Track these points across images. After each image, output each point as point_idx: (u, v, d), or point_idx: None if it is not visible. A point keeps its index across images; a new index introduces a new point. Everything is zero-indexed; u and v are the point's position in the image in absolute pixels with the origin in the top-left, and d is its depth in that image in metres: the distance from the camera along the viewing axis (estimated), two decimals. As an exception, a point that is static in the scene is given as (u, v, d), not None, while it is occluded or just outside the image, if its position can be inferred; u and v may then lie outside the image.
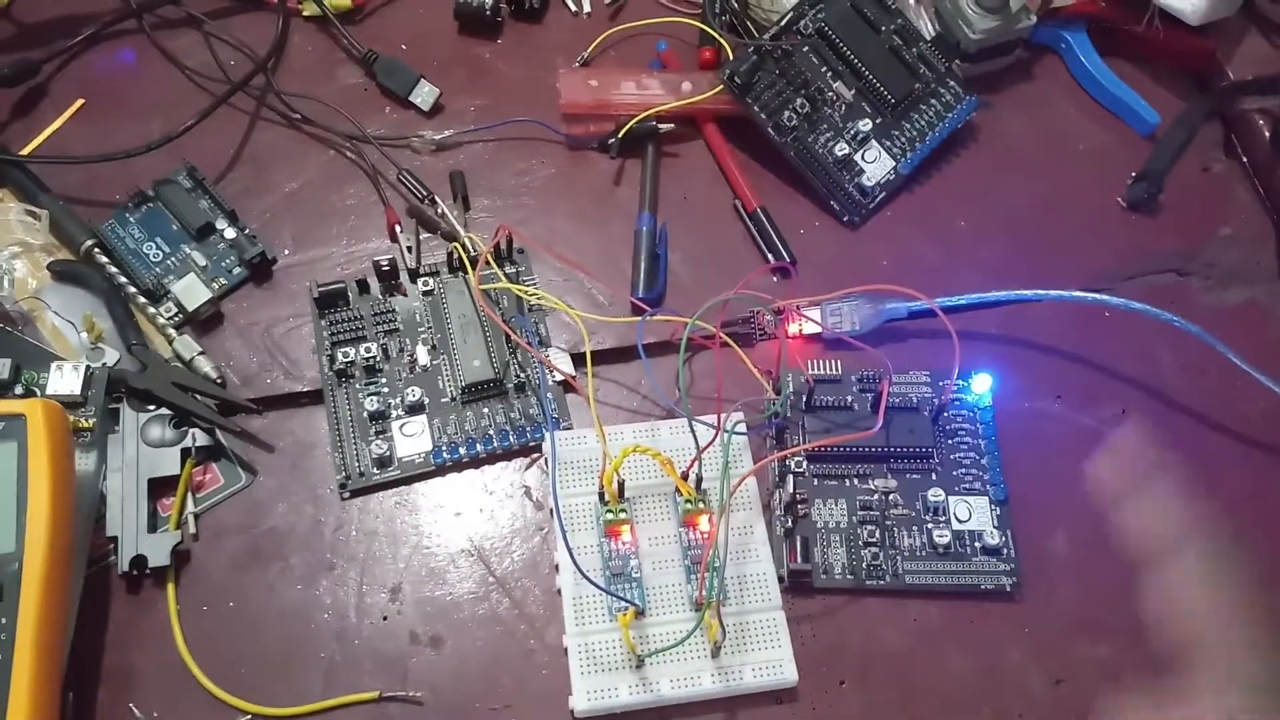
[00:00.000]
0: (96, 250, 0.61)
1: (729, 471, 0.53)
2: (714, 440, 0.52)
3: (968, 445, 0.58)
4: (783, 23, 0.65)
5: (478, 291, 0.58)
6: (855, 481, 0.57)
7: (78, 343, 0.60)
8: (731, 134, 0.68)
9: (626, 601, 0.52)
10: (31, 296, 0.60)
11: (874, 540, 0.55)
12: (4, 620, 0.47)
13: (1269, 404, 0.59)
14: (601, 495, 0.55)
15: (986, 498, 0.57)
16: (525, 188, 0.66)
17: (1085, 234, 0.66)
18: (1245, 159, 0.69)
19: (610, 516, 0.54)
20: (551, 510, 0.55)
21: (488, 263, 0.60)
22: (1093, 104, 0.71)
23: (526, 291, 0.60)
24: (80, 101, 0.67)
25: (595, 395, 0.58)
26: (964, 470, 0.57)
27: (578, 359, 0.59)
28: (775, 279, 0.63)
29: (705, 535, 0.54)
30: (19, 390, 0.56)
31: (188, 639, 0.52)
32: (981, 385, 0.59)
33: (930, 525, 0.56)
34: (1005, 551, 0.55)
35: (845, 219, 0.65)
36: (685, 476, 0.54)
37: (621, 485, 0.54)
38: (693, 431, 0.52)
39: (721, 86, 0.65)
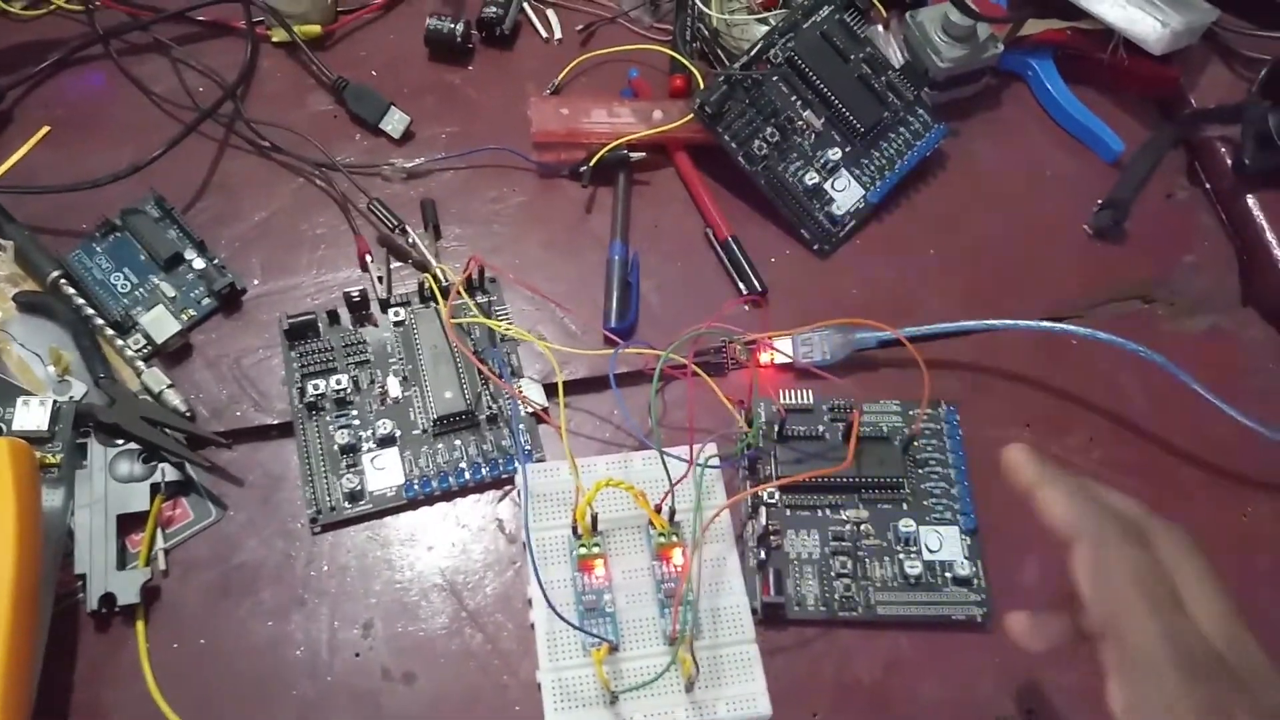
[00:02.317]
0: (63, 281, 0.60)
1: (702, 506, 0.53)
2: (686, 474, 0.53)
3: (938, 475, 0.58)
4: (753, 52, 0.66)
5: (449, 324, 0.58)
6: (827, 512, 0.57)
7: (44, 376, 0.59)
8: (702, 162, 0.68)
9: (599, 637, 0.52)
10: (-4, 329, 0.60)
11: (846, 571, 0.55)
12: (-31, 664, 0.46)
13: (1230, 430, 0.60)
14: (574, 528, 0.55)
15: (957, 527, 0.57)
16: (497, 216, 0.66)
17: (1052, 261, 0.67)
18: (1209, 186, 0.70)
19: (584, 550, 0.54)
20: (524, 544, 0.55)
21: (459, 294, 0.60)
22: (1059, 131, 0.71)
23: (499, 325, 0.60)
24: (46, 129, 0.67)
25: (568, 426, 0.58)
26: (934, 500, 0.58)
27: (550, 389, 0.59)
28: (746, 308, 0.63)
29: (679, 569, 0.54)
30: (-15, 426, 0.56)
31: (158, 676, 0.52)
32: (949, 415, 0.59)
33: (901, 555, 0.56)
34: (976, 582, 0.56)
35: (815, 247, 0.66)
36: (659, 509, 0.54)
37: (595, 518, 0.54)
38: (665, 467, 0.52)
39: (692, 115, 0.65)
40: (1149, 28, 0.67)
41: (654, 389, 0.54)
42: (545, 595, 0.50)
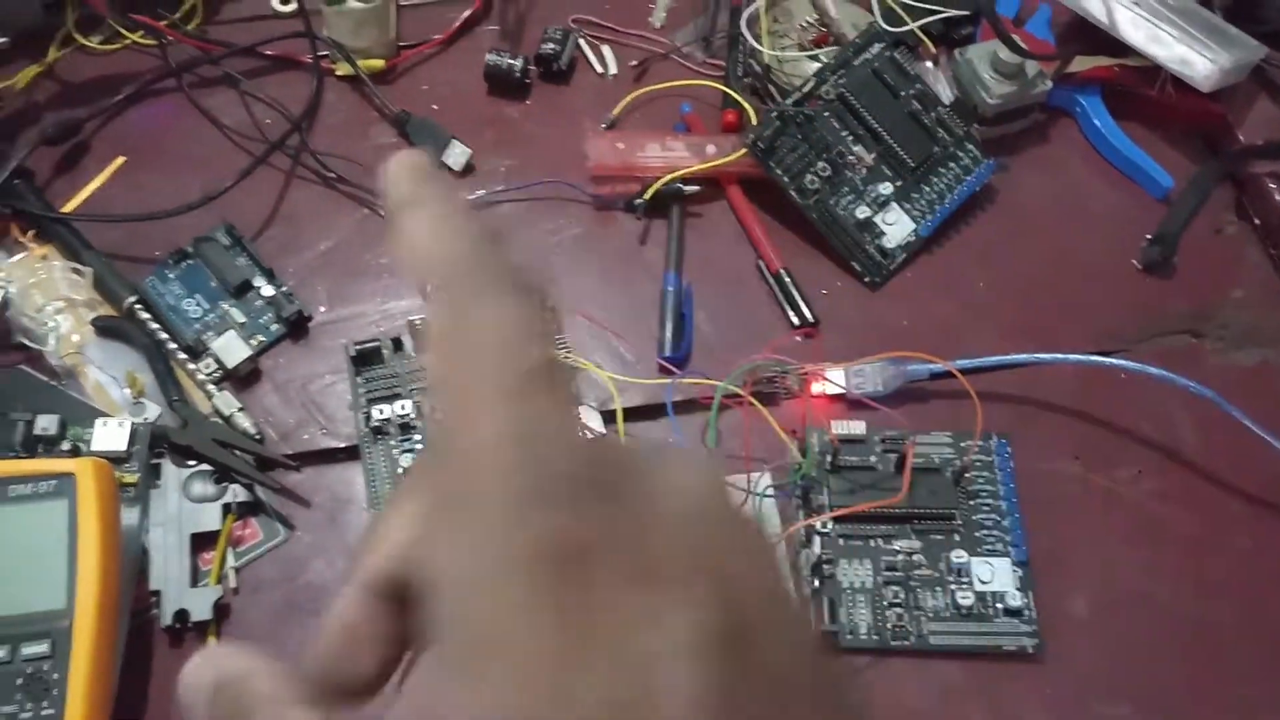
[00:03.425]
0: (139, 307, 0.63)
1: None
2: (744, 503, 0.54)
3: (989, 506, 0.59)
4: (805, 88, 0.67)
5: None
6: (880, 542, 0.58)
7: (120, 398, 0.61)
8: (754, 195, 0.69)
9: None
10: (75, 352, 0.62)
11: (899, 601, 0.56)
12: (56, 676, 0.48)
13: (1280, 466, 0.60)
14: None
15: (1008, 559, 0.58)
16: (553, 247, 0.68)
17: (1100, 295, 0.68)
18: (1257, 221, 0.71)
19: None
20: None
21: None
22: (1107, 166, 0.72)
23: (563, 354, 0.62)
24: (121, 159, 0.69)
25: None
26: (985, 531, 0.59)
27: (607, 416, 0.61)
28: (799, 339, 0.64)
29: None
30: (66, 445, 0.58)
31: (227, 693, 0.54)
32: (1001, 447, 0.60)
33: (953, 586, 0.57)
34: (1027, 613, 0.57)
35: (866, 280, 0.67)
36: (714, 536, 0.56)
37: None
38: (724, 495, 0.54)
39: (745, 149, 0.67)
40: (1199, 65, 0.68)
41: (713, 418, 0.56)
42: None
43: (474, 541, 0.19)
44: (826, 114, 0.68)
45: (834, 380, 0.62)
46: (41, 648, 0.48)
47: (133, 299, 0.63)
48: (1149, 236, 0.69)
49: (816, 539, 0.57)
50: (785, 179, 0.66)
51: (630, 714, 0.18)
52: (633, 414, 0.62)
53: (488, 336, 0.21)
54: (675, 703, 0.18)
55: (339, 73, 0.72)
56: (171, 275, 0.65)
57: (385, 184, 0.26)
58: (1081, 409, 0.63)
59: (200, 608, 0.55)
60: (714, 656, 0.18)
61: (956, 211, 0.69)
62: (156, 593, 0.55)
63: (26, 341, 0.61)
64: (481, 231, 0.24)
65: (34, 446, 0.57)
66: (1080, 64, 0.72)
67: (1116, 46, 0.72)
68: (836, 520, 0.58)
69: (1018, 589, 0.57)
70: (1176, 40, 0.69)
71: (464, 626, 0.19)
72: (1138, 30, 0.70)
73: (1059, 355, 0.62)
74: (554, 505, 0.19)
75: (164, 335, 0.62)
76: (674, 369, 0.61)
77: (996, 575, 0.57)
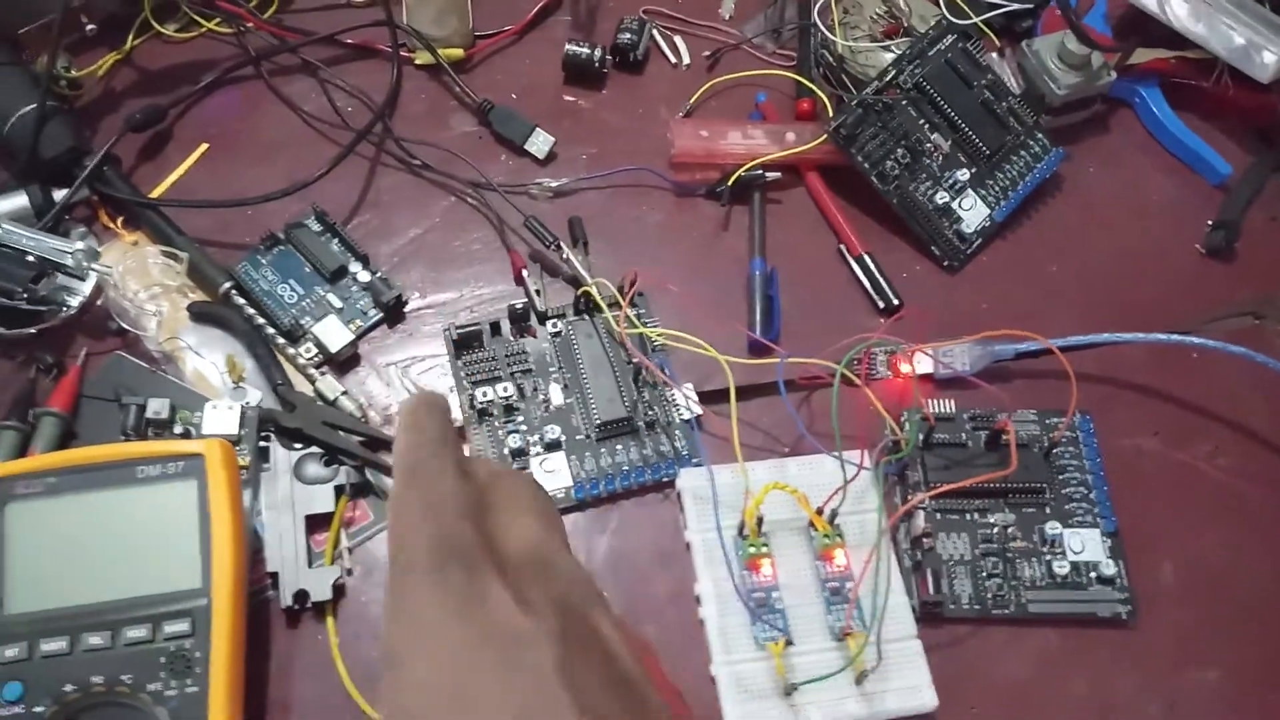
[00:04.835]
0: (234, 292, 0.63)
1: (881, 506, 0.56)
2: (855, 476, 0.56)
3: (1076, 480, 0.61)
4: (885, 78, 0.69)
5: (623, 334, 0.61)
6: (975, 516, 0.60)
7: (220, 383, 0.61)
8: (830, 182, 0.71)
9: (779, 630, 0.54)
10: (173, 338, 0.62)
11: (997, 572, 0.58)
12: (199, 654, 0.49)
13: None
14: (741, 529, 0.57)
15: (1098, 530, 0.60)
16: (637, 233, 0.69)
17: (1165, 279, 0.70)
18: (1309, 209, 0.74)
19: (752, 550, 0.57)
20: (688, 544, 0.58)
21: (631, 304, 0.63)
22: (1165, 155, 0.75)
23: (666, 334, 0.63)
24: (204, 146, 0.69)
25: (727, 433, 0.61)
26: (1075, 504, 0.60)
27: (707, 396, 0.62)
28: (882, 320, 0.66)
29: (842, 569, 0.57)
30: (178, 429, 0.58)
31: (349, 669, 0.54)
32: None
33: (1048, 556, 0.59)
34: (1119, 581, 0.59)
35: (945, 264, 0.69)
36: (819, 512, 0.57)
37: (760, 520, 0.57)
38: (843, 470, 0.55)
39: (825, 137, 0.68)
40: (1260, 58, 0.70)
41: (835, 397, 0.57)
42: (737, 585, 0.53)
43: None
44: (904, 103, 0.69)
45: (927, 356, 0.63)
46: (182, 626, 0.49)
47: (229, 284, 0.63)
48: (1211, 222, 0.71)
49: (920, 514, 0.58)
50: (866, 166, 0.68)
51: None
52: (724, 395, 0.63)
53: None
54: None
55: (417, 62, 0.73)
56: (264, 261, 0.65)
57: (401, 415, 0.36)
58: (1157, 388, 0.66)
59: (319, 588, 0.55)
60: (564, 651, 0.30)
61: (1027, 198, 0.71)
62: (274, 574, 0.56)
63: (125, 326, 0.62)
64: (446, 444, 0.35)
65: (145, 430, 0.58)
66: (1139, 56, 0.74)
67: (1173, 39, 0.74)
68: (934, 496, 0.60)
69: (1109, 558, 0.59)
70: (1237, 33, 0.71)
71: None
72: (1197, 23, 0.72)
73: (1140, 335, 0.64)
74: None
75: (261, 320, 0.63)
76: (780, 349, 0.62)
77: (1088, 546, 0.59)
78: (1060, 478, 0.61)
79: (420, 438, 0.35)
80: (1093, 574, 0.59)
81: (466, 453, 0.59)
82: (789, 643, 0.55)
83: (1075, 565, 0.59)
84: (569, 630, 0.31)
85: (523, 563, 0.33)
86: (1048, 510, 0.60)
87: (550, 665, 0.29)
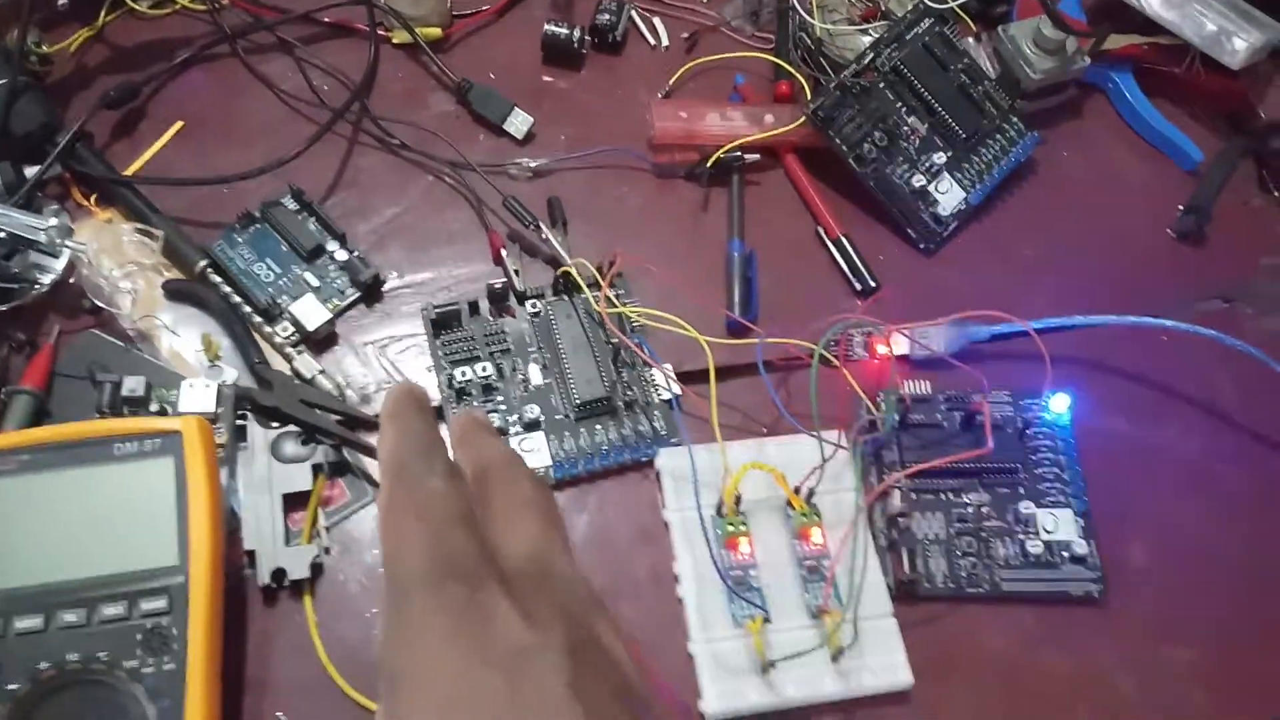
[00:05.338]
0: (210, 270, 0.62)
1: (859, 486, 0.57)
2: (833, 455, 0.56)
3: (1050, 461, 0.62)
4: (863, 60, 0.69)
5: (605, 314, 0.61)
6: (950, 495, 0.61)
7: (195, 361, 0.61)
8: (808, 164, 0.71)
9: (758, 608, 0.55)
10: (148, 316, 0.62)
11: (971, 551, 0.59)
12: (176, 632, 0.48)
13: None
14: (719, 508, 0.58)
15: (1070, 510, 0.61)
16: (616, 214, 0.69)
17: (1137, 262, 0.71)
18: (1278, 194, 0.75)
19: (730, 528, 0.57)
20: (667, 523, 0.58)
21: (611, 285, 0.63)
22: (1138, 140, 0.76)
23: (645, 314, 0.63)
24: (179, 124, 0.69)
25: (706, 413, 0.61)
26: (1048, 484, 0.61)
27: (686, 376, 0.62)
28: (859, 302, 0.67)
29: (819, 547, 0.57)
30: (154, 407, 0.58)
31: (327, 648, 0.54)
32: (1060, 404, 0.63)
33: (1022, 536, 0.59)
34: (1090, 560, 0.59)
35: (921, 246, 0.69)
36: (797, 491, 0.58)
37: (738, 499, 0.57)
38: (821, 449, 0.56)
39: (803, 119, 0.69)
40: (1231, 45, 0.71)
41: (813, 377, 0.57)
42: (717, 564, 0.53)
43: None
44: (882, 86, 0.70)
45: (902, 341, 0.64)
46: (159, 603, 0.49)
47: (205, 263, 0.63)
48: (1182, 206, 0.72)
49: (896, 494, 0.59)
50: (844, 148, 0.68)
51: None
52: (701, 375, 0.63)
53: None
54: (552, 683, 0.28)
55: (395, 41, 0.73)
56: (240, 240, 0.65)
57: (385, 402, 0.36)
58: (1129, 369, 0.66)
59: (297, 566, 0.55)
60: (573, 665, 0.28)
61: (1003, 181, 0.72)
62: (251, 552, 0.56)
63: (99, 304, 0.61)
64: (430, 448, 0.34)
65: (120, 408, 0.57)
66: (1113, 42, 0.75)
67: (1146, 25, 0.75)
68: (909, 475, 0.60)
69: (1081, 538, 0.60)
70: (1208, 20, 0.72)
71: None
72: (1170, 9, 0.73)
73: (1113, 317, 0.65)
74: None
75: (238, 299, 0.62)
76: (758, 330, 0.62)
77: (1060, 525, 0.60)
78: (1034, 458, 0.62)
79: (404, 433, 0.34)
80: (1065, 553, 0.59)
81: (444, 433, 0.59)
82: (766, 620, 0.55)
83: (1048, 545, 0.59)
84: (575, 642, 0.29)
85: (524, 569, 0.31)
86: (1021, 490, 0.61)
87: (560, 682, 0.28)
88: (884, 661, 0.55)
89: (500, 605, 0.29)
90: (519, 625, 0.29)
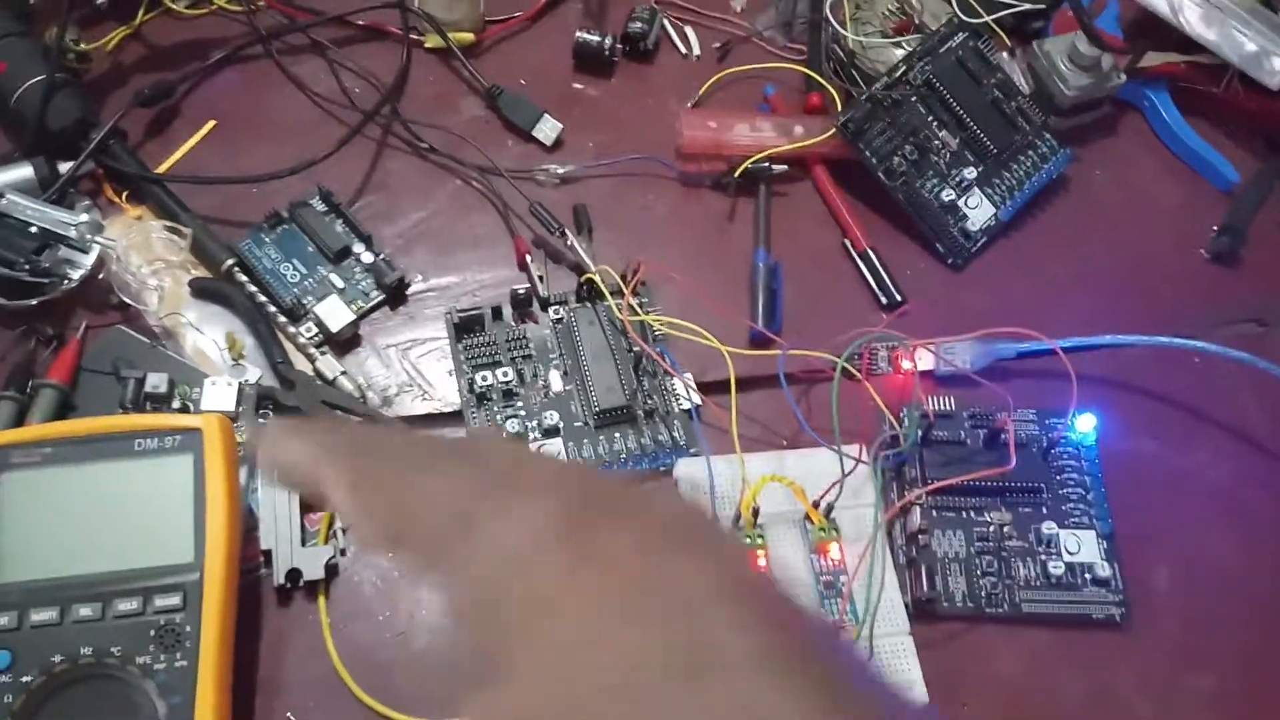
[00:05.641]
0: (237, 269, 0.63)
1: (878, 501, 0.56)
2: (853, 470, 0.55)
3: (1074, 481, 0.61)
4: (895, 73, 0.69)
5: (627, 322, 0.61)
6: (971, 514, 0.60)
7: (219, 359, 0.61)
8: (837, 176, 0.71)
9: (772, 623, 0.54)
10: (174, 313, 0.62)
11: (992, 570, 0.58)
12: (189, 628, 0.49)
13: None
14: (737, 519, 0.57)
15: (1094, 531, 0.60)
16: (642, 222, 0.69)
17: (1170, 282, 0.70)
18: (1315, 217, 0.73)
19: (747, 541, 0.56)
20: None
21: (634, 293, 0.62)
22: (1173, 159, 0.75)
23: (668, 323, 0.62)
24: (212, 123, 0.69)
25: (716, 423, 0.61)
26: (1072, 505, 0.60)
27: (706, 386, 0.62)
28: (885, 316, 0.66)
29: (836, 562, 0.57)
30: (176, 404, 0.58)
31: (339, 650, 0.54)
32: (1086, 424, 0.62)
33: (1044, 557, 0.59)
34: (1113, 583, 0.58)
35: (949, 261, 0.69)
36: (816, 505, 0.57)
37: (756, 511, 0.57)
38: (841, 463, 0.55)
39: (833, 130, 0.68)
40: (1270, 65, 0.70)
41: (835, 390, 0.57)
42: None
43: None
44: (914, 99, 0.69)
45: (930, 352, 0.63)
46: (173, 600, 0.49)
47: (232, 261, 0.63)
48: (1216, 227, 0.71)
49: (916, 510, 0.58)
50: (874, 160, 0.68)
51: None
52: (723, 386, 0.63)
53: None
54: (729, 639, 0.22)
55: (427, 45, 0.73)
56: (267, 239, 0.65)
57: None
58: (1158, 391, 0.65)
59: (313, 567, 0.55)
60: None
61: (1033, 198, 0.71)
62: (267, 552, 0.56)
63: (126, 300, 0.62)
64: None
65: (143, 404, 0.58)
66: (1150, 60, 0.74)
67: (1184, 43, 0.74)
68: (930, 492, 0.59)
69: (1104, 560, 0.59)
70: (1248, 40, 0.71)
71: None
72: (1209, 28, 0.72)
73: (1143, 338, 0.64)
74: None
75: (263, 298, 0.62)
76: (780, 341, 0.62)
77: (1083, 547, 0.59)
78: (1058, 478, 0.61)
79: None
80: (1087, 575, 0.58)
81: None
82: (781, 635, 0.54)
83: (1070, 566, 0.59)
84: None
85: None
86: (1044, 510, 0.60)
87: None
88: (899, 680, 0.54)
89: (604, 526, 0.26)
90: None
